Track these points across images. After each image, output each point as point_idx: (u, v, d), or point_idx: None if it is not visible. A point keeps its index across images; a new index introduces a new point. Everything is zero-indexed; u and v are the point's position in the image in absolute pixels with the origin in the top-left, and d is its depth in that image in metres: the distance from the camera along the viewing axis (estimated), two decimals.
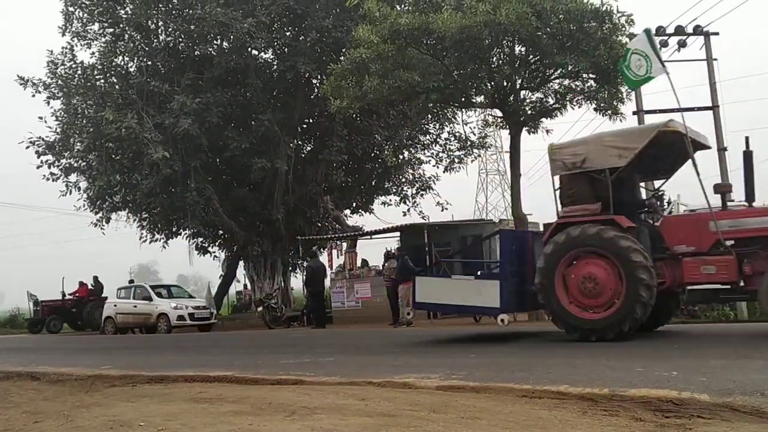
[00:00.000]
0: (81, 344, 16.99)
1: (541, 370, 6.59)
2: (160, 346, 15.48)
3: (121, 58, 23.91)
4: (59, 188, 24.48)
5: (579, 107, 17.16)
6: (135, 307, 22.23)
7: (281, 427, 4.39)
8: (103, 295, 27.14)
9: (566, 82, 16.77)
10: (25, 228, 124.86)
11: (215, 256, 28.89)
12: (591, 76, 15.92)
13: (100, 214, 25.04)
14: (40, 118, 23.86)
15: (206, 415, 5.05)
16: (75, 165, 24.33)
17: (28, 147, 23.33)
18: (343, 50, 19.25)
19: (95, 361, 11.13)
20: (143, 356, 13.02)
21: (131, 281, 28.24)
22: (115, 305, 22.86)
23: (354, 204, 27.73)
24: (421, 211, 26.94)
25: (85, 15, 23.21)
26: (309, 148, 27.07)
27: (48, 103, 23.87)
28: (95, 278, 28.06)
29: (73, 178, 24.53)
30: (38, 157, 23.61)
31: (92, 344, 16.92)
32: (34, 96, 23.46)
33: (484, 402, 5.05)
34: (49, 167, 23.97)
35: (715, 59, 20.08)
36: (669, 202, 14.92)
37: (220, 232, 26.57)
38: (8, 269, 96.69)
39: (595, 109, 16.67)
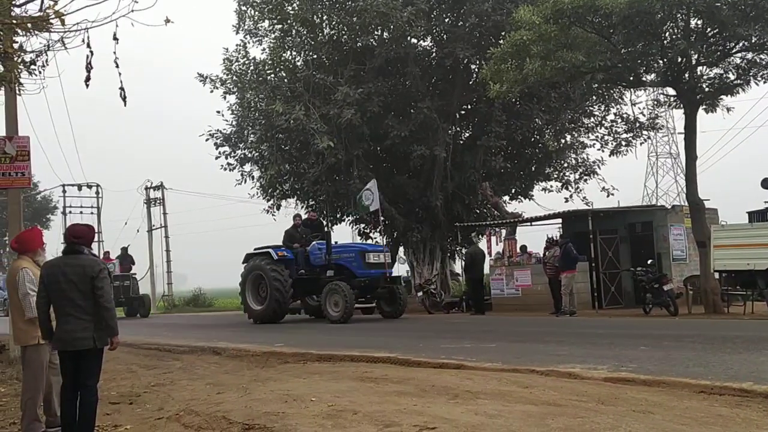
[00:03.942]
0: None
1: (720, 366, 6.15)
2: (326, 326, 16.21)
3: (289, 52, 25.05)
4: (235, 177, 26.26)
5: (765, 83, 15.75)
6: None
7: (445, 410, 4.45)
8: (132, 272, 25.79)
9: (749, 55, 15.50)
10: (205, 214, 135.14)
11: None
12: None
13: (271, 202, 26.54)
14: (218, 112, 25.71)
15: (372, 394, 5.22)
16: (249, 155, 25.90)
17: (207, 139, 25.22)
18: (503, 33, 18.94)
19: (268, 338, 11.88)
20: (312, 335, 13.73)
21: None
22: None
23: (513, 190, 27.21)
24: (584, 197, 25.99)
25: (256, 13, 24.52)
26: (467, 135, 26.90)
27: (224, 97, 25.49)
28: (124, 249, 25.13)
29: (247, 167, 26.13)
30: (216, 149, 25.46)
31: None
32: (212, 92, 25.15)
33: (656, 396, 4.80)
34: (226, 158, 25.72)
35: None
36: None
37: (381, 218, 27.19)
38: (190, 254, 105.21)
39: None
